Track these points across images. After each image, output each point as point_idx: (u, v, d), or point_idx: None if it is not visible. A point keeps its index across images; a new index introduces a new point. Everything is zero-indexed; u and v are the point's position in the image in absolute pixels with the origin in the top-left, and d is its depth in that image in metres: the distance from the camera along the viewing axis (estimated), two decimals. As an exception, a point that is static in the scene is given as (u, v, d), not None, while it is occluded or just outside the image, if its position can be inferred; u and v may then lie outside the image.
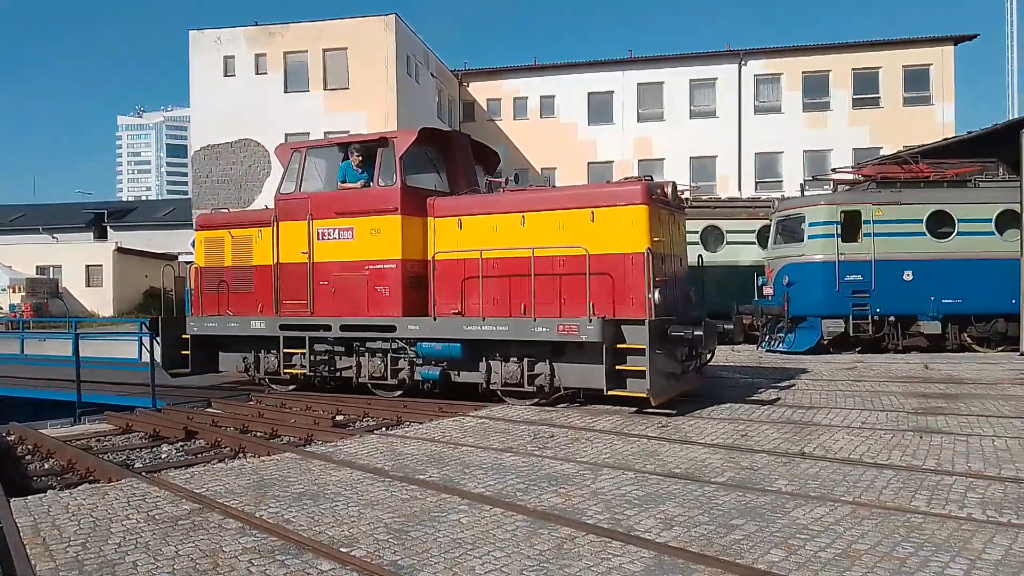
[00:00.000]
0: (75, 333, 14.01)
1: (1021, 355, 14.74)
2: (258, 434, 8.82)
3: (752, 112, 37.13)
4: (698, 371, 10.11)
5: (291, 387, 11.42)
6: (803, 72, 36.71)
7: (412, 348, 10.07)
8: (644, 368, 8.38)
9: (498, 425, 8.32)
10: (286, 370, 11.07)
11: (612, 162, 37.45)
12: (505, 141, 37.16)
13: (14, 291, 36.72)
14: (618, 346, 8.68)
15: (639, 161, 36.96)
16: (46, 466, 7.95)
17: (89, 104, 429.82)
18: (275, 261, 10.92)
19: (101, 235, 47.59)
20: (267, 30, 33.60)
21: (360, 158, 10.41)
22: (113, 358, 17.29)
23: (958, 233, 15.86)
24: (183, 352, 11.84)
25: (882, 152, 30.99)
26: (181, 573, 4.09)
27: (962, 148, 20.13)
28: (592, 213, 9.09)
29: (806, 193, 18.00)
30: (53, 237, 46.13)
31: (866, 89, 36.07)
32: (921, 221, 15.89)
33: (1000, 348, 15.94)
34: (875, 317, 15.81)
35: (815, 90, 36.61)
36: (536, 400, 9.49)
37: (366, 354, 10.54)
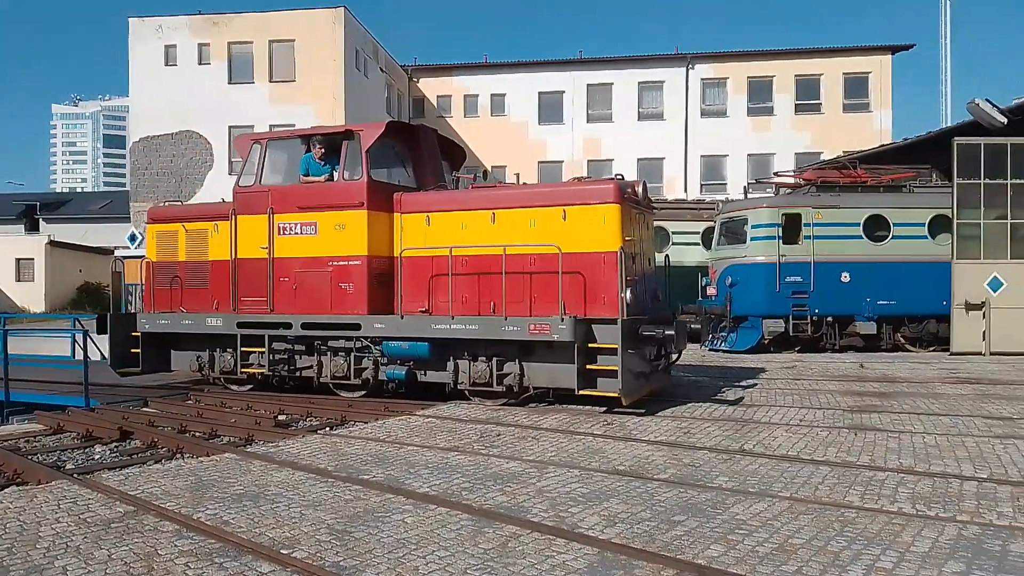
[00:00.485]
0: (3, 330, 13.41)
1: (951, 355, 15.33)
2: (197, 434, 8.60)
3: (699, 115, 37.75)
4: (665, 370, 10.15)
5: (248, 387, 11.13)
6: (748, 77, 37.44)
7: (378, 347, 9.91)
8: (616, 368, 8.35)
9: (445, 424, 8.29)
10: (243, 370, 10.78)
11: (562, 162, 37.67)
12: (456, 138, 36.85)
13: (-62, 285, 35.18)
14: (590, 345, 8.64)
15: (588, 161, 37.25)
16: (-30, 468, 7.60)
17: (22, 92, 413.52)
18: (233, 256, 10.62)
19: (33, 228, 46.00)
20: (211, 19, 32.81)
21: (323, 151, 10.16)
22: (44, 355, 16.64)
23: (893, 236, 16.40)
24: (133, 351, 11.47)
25: (822, 157, 31.93)
26: (113, 578, 3.96)
27: (898, 154, 20.95)
28: (564, 211, 9.02)
29: (749, 196, 18.43)
30: (-19, 229, 44.37)
31: (808, 95, 37.01)
32: (858, 224, 16.38)
33: (932, 348, 16.55)
34: (814, 317, 16.26)
35: (759, 95, 37.41)
36: (505, 400, 9.38)
37: (328, 353, 10.32)
